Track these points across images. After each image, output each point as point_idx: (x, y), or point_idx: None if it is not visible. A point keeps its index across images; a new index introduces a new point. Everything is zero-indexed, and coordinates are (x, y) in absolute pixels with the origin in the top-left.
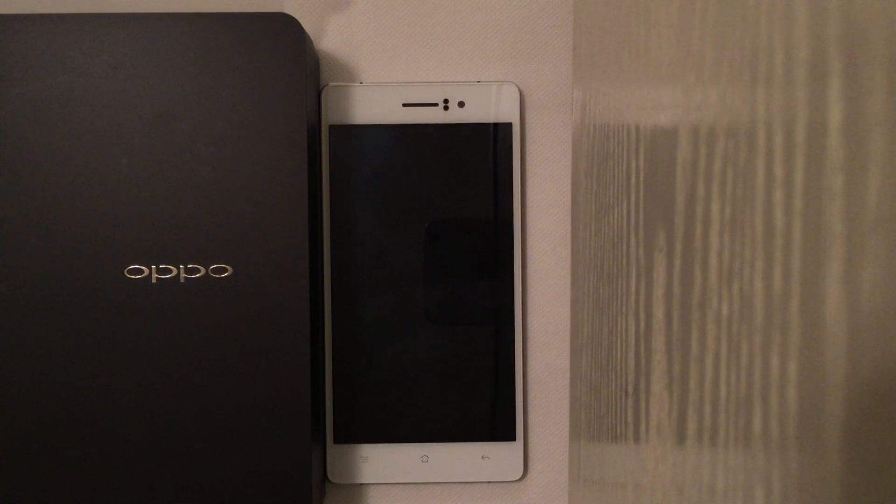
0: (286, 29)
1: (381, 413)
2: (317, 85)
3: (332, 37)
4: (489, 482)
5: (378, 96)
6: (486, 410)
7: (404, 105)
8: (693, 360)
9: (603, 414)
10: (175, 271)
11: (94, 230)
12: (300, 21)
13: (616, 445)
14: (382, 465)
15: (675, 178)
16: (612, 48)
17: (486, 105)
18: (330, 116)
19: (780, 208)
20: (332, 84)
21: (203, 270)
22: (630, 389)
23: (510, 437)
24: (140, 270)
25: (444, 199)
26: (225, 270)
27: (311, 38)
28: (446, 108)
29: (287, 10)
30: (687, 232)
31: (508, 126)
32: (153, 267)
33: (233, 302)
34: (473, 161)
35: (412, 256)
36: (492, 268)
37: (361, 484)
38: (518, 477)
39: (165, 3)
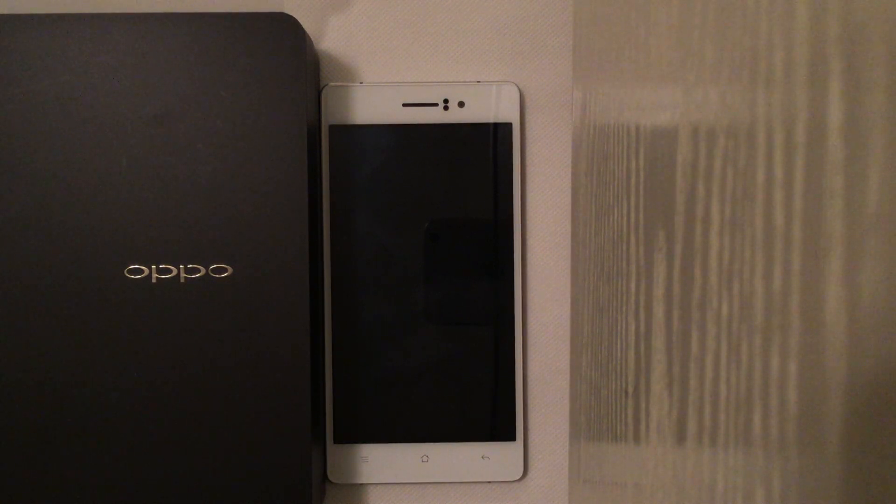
0: (286, 29)
1: (381, 413)
2: (317, 85)
3: (332, 37)
4: (489, 482)
5: (378, 96)
6: (486, 410)
7: (404, 105)
8: (693, 360)
9: (603, 414)
10: (175, 271)
11: (94, 230)
12: (300, 21)
13: (616, 445)
14: (382, 465)
15: (675, 178)
16: (612, 48)
17: (486, 105)
18: (330, 116)
19: (780, 208)
20: (332, 84)
21: (203, 270)
22: (630, 389)
23: (510, 437)
24: (140, 270)
25: (444, 199)
26: (225, 270)
27: (311, 38)
28: (446, 108)
29: (287, 10)
30: (687, 232)
31: (508, 126)
32: (153, 267)
33: (233, 302)
34: (473, 161)
35: (412, 256)
36: (492, 268)
37: (361, 484)
38: (518, 477)
39: (165, 3)
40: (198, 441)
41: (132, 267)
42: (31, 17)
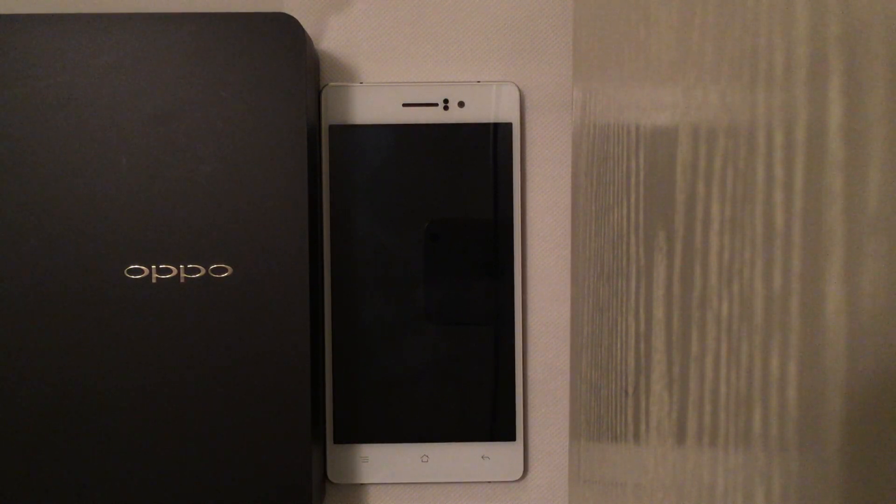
0: (286, 29)
1: (381, 413)
2: (317, 85)
3: (332, 37)
4: (489, 482)
5: (378, 96)
6: (486, 410)
7: (404, 105)
8: (693, 360)
9: (603, 414)
10: (175, 271)
11: (94, 230)
12: (300, 21)
13: (616, 445)
14: (382, 465)
15: (675, 178)
16: (612, 48)
17: (486, 105)
18: (330, 116)
19: (780, 208)
20: (332, 84)
21: (203, 270)
22: (630, 389)
23: (510, 437)
24: (140, 270)
25: (444, 199)
26: (225, 270)
27: (311, 38)
28: (446, 108)
29: (287, 10)
30: (687, 232)
31: (508, 126)
32: (153, 267)
33: (233, 302)
34: (473, 161)
35: (412, 256)
36: (492, 268)
37: (361, 484)
38: (518, 477)
39: (165, 3)
40: (198, 441)
41: (132, 267)
42: (31, 17)
